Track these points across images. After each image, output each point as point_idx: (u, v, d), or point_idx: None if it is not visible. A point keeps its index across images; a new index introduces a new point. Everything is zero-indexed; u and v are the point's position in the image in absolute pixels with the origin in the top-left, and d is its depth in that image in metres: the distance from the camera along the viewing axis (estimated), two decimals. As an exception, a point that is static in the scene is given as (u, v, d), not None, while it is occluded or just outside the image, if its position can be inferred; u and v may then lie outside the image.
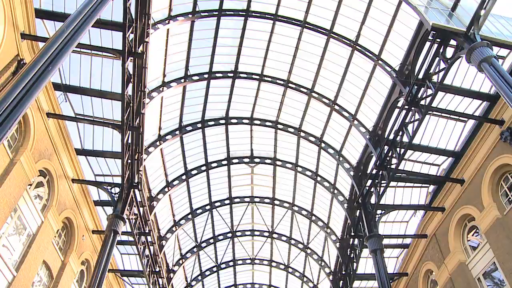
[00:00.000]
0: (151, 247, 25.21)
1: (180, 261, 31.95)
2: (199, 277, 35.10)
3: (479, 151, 18.27)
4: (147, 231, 23.87)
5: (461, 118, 19.09)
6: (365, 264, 29.08)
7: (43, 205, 18.08)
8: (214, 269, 35.42)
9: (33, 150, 16.40)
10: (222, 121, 26.72)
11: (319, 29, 22.45)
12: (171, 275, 30.69)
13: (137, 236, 23.03)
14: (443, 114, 19.07)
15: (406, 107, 17.85)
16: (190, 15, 21.34)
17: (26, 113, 15.51)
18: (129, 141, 19.06)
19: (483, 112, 18.10)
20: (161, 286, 27.76)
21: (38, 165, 16.86)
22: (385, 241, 22.34)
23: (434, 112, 18.70)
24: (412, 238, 23.56)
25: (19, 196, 15.69)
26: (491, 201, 17.51)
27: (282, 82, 25.09)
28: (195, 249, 32.62)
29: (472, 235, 19.54)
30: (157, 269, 26.49)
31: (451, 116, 19.10)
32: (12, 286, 15.68)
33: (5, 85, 13.93)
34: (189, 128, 25.91)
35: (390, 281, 22.33)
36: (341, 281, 26.65)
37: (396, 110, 19.73)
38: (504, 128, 16.86)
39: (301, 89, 24.95)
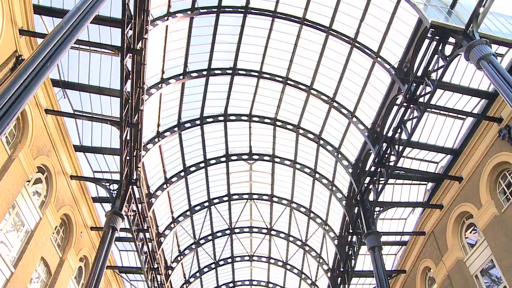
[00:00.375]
0: (150, 244, 25.22)
1: (179, 258, 32.00)
2: (197, 274, 35.11)
3: (478, 149, 18.28)
4: (145, 227, 23.87)
5: (459, 115, 19.11)
6: (363, 261, 29.17)
7: (42, 201, 18.07)
8: (213, 266, 35.47)
9: (32, 146, 16.38)
10: (221, 118, 26.68)
11: (318, 26, 22.44)
12: (170, 271, 30.73)
13: (136, 233, 23.01)
14: (441, 112, 19.10)
15: (405, 104, 17.86)
16: (189, 12, 21.31)
17: (24, 109, 15.49)
18: (128, 137, 19.01)
19: (482, 110, 18.09)
20: (159, 282, 27.81)
21: (36, 161, 16.84)
22: (383, 238, 22.39)
23: (433, 110, 18.71)
24: (410, 235, 23.59)
25: (17, 192, 15.67)
26: (489, 199, 17.54)
27: (281, 79, 25.06)
28: (193, 246, 32.67)
29: (470, 232, 19.58)
30: (155, 266, 26.53)
31: (450, 113, 19.11)
32: (10, 283, 15.68)
33: (3, 81, 13.87)
34: (188, 125, 25.88)
35: (388, 278, 22.37)
36: (339, 278, 26.72)
37: (395, 108, 19.74)
38: (502, 126, 16.85)
39: (300, 86, 24.94)
